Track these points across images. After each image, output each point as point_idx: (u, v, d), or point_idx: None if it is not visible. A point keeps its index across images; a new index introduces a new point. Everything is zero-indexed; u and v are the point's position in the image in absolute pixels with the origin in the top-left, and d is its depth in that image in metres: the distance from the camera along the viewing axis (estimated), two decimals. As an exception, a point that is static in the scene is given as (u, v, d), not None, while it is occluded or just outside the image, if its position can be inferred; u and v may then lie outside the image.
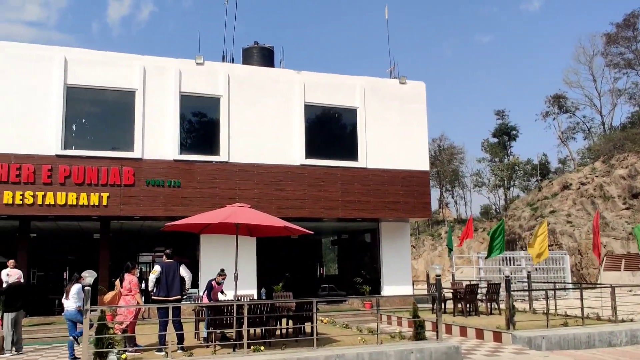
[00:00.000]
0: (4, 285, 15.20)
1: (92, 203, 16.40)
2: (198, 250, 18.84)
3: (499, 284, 18.11)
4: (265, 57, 21.97)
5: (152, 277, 10.90)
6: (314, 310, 10.94)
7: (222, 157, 18.14)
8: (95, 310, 9.72)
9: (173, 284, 10.73)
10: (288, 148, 18.96)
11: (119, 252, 19.69)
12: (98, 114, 17.67)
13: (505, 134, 58.97)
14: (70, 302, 11.02)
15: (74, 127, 16.98)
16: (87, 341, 9.52)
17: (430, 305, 17.77)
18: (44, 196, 16.00)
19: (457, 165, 61.43)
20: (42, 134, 16.45)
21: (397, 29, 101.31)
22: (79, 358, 10.76)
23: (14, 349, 12.43)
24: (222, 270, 12.49)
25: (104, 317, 9.65)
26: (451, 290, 17.10)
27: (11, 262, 15.59)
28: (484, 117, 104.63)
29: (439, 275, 11.51)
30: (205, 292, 12.20)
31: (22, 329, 13.18)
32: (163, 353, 10.17)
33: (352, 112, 20.13)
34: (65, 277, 21.20)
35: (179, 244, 23.02)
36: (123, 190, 16.80)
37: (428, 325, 12.97)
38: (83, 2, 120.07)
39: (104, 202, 16.52)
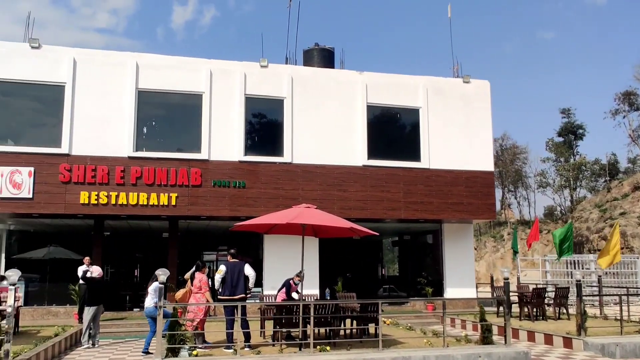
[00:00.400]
0: (81, 280, 15.99)
1: (161, 203, 17.00)
2: (261, 250, 19.20)
3: (568, 287, 17.60)
4: (325, 58, 22.12)
5: (217, 277, 11.21)
6: (379, 312, 10.95)
7: (286, 158, 18.42)
8: (166, 307, 10.02)
9: (238, 283, 11.00)
10: (350, 149, 19.04)
11: (186, 251, 20.31)
12: (167, 116, 18.33)
13: (571, 132, 57.01)
14: (149, 300, 11.45)
15: (144, 129, 17.65)
16: (161, 336, 9.92)
17: (495, 309, 17.45)
18: (117, 196, 16.71)
19: (520, 165, 59.88)
20: (116, 137, 17.18)
21: (459, 27, 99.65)
22: (152, 353, 11.19)
23: (90, 342, 13.06)
24: (301, 271, 12.70)
25: (175, 314, 10.02)
26: (517, 294, 16.73)
27: (87, 259, 16.38)
28: (548, 116, 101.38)
29: (508, 278, 11.30)
30: (284, 290, 12.46)
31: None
32: (231, 350, 10.45)
33: (414, 112, 20.01)
34: (136, 274, 22.04)
35: (242, 244, 23.51)
36: (191, 190, 17.33)
37: (494, 329, 12.75)
38: (149, 8, 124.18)
39: (173, 202, 17.09)
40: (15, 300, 13.98)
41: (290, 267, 13.89)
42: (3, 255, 18.51)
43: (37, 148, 16.64)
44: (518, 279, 21.80)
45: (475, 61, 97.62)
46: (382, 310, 11.82)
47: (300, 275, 12.92)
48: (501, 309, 16.35)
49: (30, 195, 16.20)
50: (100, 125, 17.12)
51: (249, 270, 11.09)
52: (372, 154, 19.19)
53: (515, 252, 22.60)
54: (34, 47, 17.02)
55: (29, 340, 12.31)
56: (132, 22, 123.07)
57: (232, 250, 11.56)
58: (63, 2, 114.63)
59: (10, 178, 16.10)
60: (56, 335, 13.05)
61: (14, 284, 9.23)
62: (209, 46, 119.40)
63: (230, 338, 10.83)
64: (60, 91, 17.00)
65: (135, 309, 18.83)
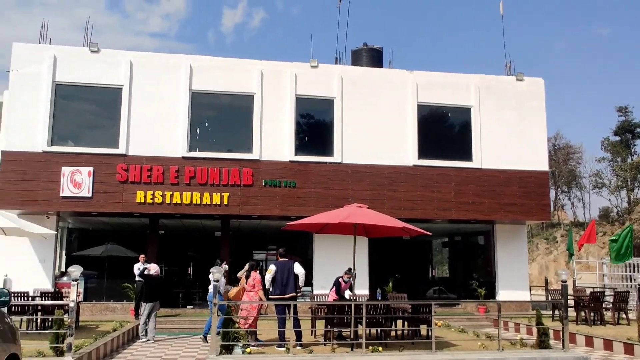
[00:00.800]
0: (137, 277, 16.47)
1: (214, 202, 17.32)
2: (311, 250, 19.29)
3: (628, 292, 16.98)
4: (374, 58, 22.02)
5: (267, 277, 11.33)
6: (432, 313, 10.84)
7: (336, 158, 18.46)
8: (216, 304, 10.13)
9: (288, 282, 11.09)
10: (401, 148, 18.93)
11: (237, 250, 20.64)
12: (219, 117, 18.68)
13: (628, 131, 54.85)
14: (211, 286, 11.71)
15: (198, 130, 18.02)
16: (216, 333, 10.10)
17: (550, 312, 17.03)
18: (171, 195, 17.13)
19: (574, 165, 58.08)
20: (170, 138, 17.61)
21: (511, 23, 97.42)
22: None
23: (147, 336, 13.45)
24: (350, 269, 12.74)
25: (229, 311, 10.19)
26: (573, 298, 16.26)
27: (142, 256, 16.86)
28: (604, 114, 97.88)
29: (566, 281, 11.00)
30: (334, 289, 12.52)
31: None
32: (284, 349, 10.56)
33: (466, 111, 19.72)
34: (189, 272, 22.56)
35: (291, 244, 23.70)
36: (242, 190, 17.59)
37: (550, 334, 12.42)
38: (200, 13, 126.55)
39: (225, 202, 17.38)
40: (77, 296, 14.52)
41: (340, 266, 13.91)
42: (64, 252, 19.23)
43: (96, 149, 17.24)
44: (574, 282, 21.18)
45: (528, 58, 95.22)
46: (435, 312, 11.74)
47: (350, 273, 12.93)
48: (557, 312, 15.94)
49: (90, 195, 16.79)
50: (155, 126, 17.59)
51: (298, 269, 11.15)
52: (422, 154, 19.02)
53: (571, 255, 21.97)
54: (93, 52, 17.64)
55: (89, 335, 12.75)
56: (184, 26, 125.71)
57: (281, 250, 11.67)
58: (118, 8, 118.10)
59: (71, 178, 16.73)
60: (114, 330, 13.47)
61: (76, 280, 9.57)
62: (258, 48, 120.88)
63: (282, 336, 10.94)
64: (118, 93, 17.56)
65: (188, 306, 19.25)
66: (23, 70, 17.16)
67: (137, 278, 16.55)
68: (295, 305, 10.96)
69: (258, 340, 11.39)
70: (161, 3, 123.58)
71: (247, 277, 11.33)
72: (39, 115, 17.07)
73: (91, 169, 16.89)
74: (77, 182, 16.74)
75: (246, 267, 11.75)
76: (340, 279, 12.78)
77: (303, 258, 19.93)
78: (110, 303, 18.18)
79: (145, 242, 18.66)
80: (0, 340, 5.77)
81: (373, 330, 11.80)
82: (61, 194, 16.64)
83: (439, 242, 28.68)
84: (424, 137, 19.25)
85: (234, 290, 11.44)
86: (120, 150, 17.26)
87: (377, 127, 18.87)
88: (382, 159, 18.67)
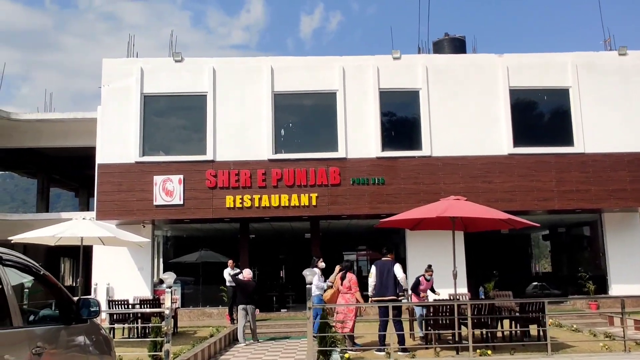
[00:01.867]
0: (228, 283, 16.53)
1: (302, 204, 17.07)
2: (404, 248, 18.61)
3: None
4: (456, 48, 21.00)
5: (370, 281, 10.86)
6: (545, 312, 9.92)
7: (425, 151, 17.70)
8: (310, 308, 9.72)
9: (387, 283, 10.52)
10: (494, 137, 17.86)
11: (327, 251, 20.28)
12: (303, 117, 18.46)
13: None
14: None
15: (282, 131, 17.86)
16: (312, 339, 9.73)
17: (675, 307, 15.39)
18: (259, 199, 17.05)
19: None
20: (256, 141, 17.56)
21: None
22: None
23: (246, 340, 13.60)
24: (430, 266, 12.09)
25: (325, 315, 9.79)
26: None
27: (231, 262, 16.89)
28: None
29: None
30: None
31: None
32: (383, 353, 10.03)
33: (563, 92, 18.30)
34: (281, 275, 22.52)
35: (382, 243, 23.14)
36: (330, 190, 17.22)
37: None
38: (279, 22, 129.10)
39: (314, 202, 17.08)
40: (172, 302, 14.71)
41: (435, 265, 13.23)
42: (161, 260, 19.70)
43: (185, 156, 17.49)
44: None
45: (628, 31, 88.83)
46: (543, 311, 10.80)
47: (431, 269, 12.19)
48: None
49: (181, 202, 17.03)
50: (240, 131, 17.61)
51: (398, 271, 10.52)
52: (518, 141, 17.84)
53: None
54: (177, 61, 17.93)
55: (187, 341, 12.80)
56: (264, 36, 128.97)
57: (384, 249, 11.15)
58: (201, 24, 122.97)
59: (163, 186, 17.05)
60: (211, 335, 13.47)
61: (170, 287, 9.53)
62: (337, 51, 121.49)
63: (382, 340, 10.41)
64: (203, 100, 17.72)
65: (282, 310, 19.13)
66: (113, 85, 17.71)
67: (227, 283, 16.61)
68: (396, 308, 10.39)
69: (356, 344, 10.94)
70: (241, 16, 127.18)
71: (343, 278, 10.88)
72: (130, 127, 17.54)
73: (181, 176, 17.13)
74: (168, 190, 17.04)
75: (336, 270, 11.32)
76: (422, 278, 12.07)
77: (396, 257, 19.31)
78: (206, 308, 18.37)
79: (236, 247, 18.74)
80: (96, 352, 5.64)
81: (477, 332, 11.01)
82: (155, 203, 17.00)
83: (539, 235, 27.05)
84: (519, 124, 18.06)
85: (328, 293, 11.03)
86: (208, 156, 17.40)
87: (467, 116, 17.92)
88: (475, 150, 17.68)
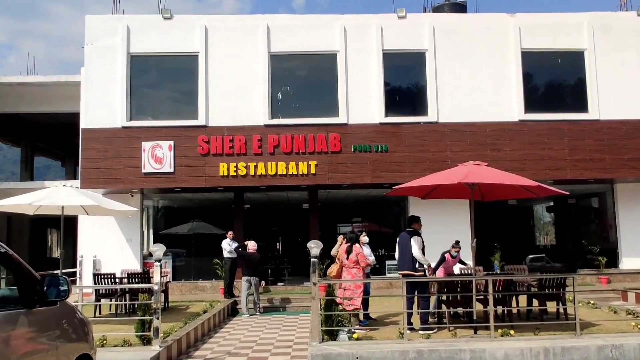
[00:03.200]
0: (225, 254, 15.62)
1: (300, 172, 16.04)
2: (404, 220, 17.67)
3: None
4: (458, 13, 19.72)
5: (396, 254, 10.04)
6: (574, 288, 9.03)
7: (431, 117, 16.65)
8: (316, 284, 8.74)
9: (404, 257, 9.62)
10: (504, 103, 16.82)
11: (325, 223, 19.34)
12: (301, 80, 17.30)
13: None
14: None
15: (279, 95, 16.73)
16: (318, 318, 8.83)
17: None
18: (255, 167, 16.00)
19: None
20: (251, 105, 16.45)
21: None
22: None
23: (249, 312, 13.80)
24: (457, 242, 11.16)
25: (332, 292, 8.87)
26: None
27: (230, 233, 15.99)
28: None
29: None
30: (441, 267, 10.97)
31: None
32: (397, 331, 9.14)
33: (578, 55, 17.22)
34: (278, 247, 21.57)
35: (384, 214, 22.21)
36: (330, 157, 16.19)
37: None
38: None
39: (312, 171, 16.05)
40: (162, 276, 13.78)
41: (441, 237, 12.41)
42: (151, 231, 18.73)
43: (175, 121, 16.37)
44: None
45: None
46: (566, 286, 9.95)
47: (458, 246, 11.33)
48: None
49: (172, 170, 15.95)
50: (234, 94, 16.48)
51: (413, 246, 9.52)
52: (529, 107, 16.81)
53: None
54: (166, 18, 16.64)
55: (179, 317, 11.92)
56: (256, 5, 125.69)
57: (412, 217, 10.17)
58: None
59: (152, 153, 15.95)
60: (205, 312, 12.58)
61: (159, 260, 8.56)
62: (336, 10, 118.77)
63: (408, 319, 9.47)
64: (194, 61, 16.52)
65: (279, 283, 18.28)
66: (97, 44, 16.44)
67: (225, 255, 15.72)
68: (420, 284, 9.45)
69: (362, 322, 10.05)
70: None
71: (349, 252, 9.93)
72: (116, 89, 16.37)
73: (171, 142, 16.02)
74: (158, 157, 15.94)
75: (339, 241, 10.36)
76: (447, 254, 11.16)
77: (396, 230, 18.43)
78: (199, 282, 17.48)
79: (230, 218, 17.77)
80: (67, 340, 4.67)
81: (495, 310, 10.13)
82: (143, 171, 15.91)
83: (542, 206, 26.24)
84: (531, 88, 17.04)
85: (333, 268, 10.07)
86: (200, 121, 16.28)
87: (476, 80, 16.84)
88: (484, 116, 16.64)
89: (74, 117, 17.72)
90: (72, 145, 23.06)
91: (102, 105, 16.34)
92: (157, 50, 16.61)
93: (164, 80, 17.17)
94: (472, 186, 9.14)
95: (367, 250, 10.73)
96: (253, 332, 11.43)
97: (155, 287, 8.54)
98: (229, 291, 15.71)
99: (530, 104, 16.84)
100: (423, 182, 9.29)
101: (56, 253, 29.94)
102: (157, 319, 8.32)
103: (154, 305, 8.50)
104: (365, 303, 10.28)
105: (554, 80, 17.71)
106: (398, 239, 9.89)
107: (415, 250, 9.45)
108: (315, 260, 8.27)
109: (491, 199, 10.61)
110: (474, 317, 8.99)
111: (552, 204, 25.03)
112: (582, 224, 22.24)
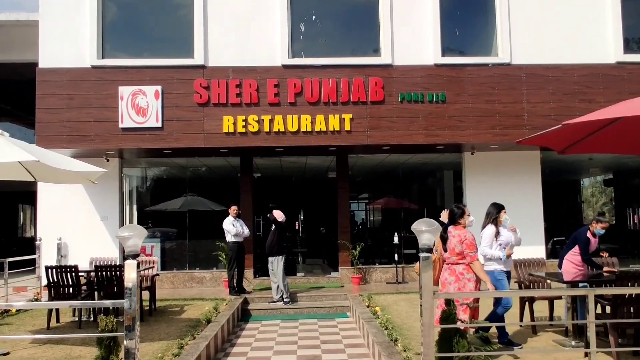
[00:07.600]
0: (228, 237, 11.88)
1: (331, 128, 12.06)
2: (460, 192, 13.92)
3: None
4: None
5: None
6: None
7: (502, 57, 12.68)
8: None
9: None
10: (596, 40, 12.89)
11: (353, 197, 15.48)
12: (331, 7, 13.19)
13: None
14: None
15: (302, 27, 12.67)
16: (431, 331, 4.91)
17: None
18: (271, 121, 11.99)
19: None
20: (264, 39, 12.42)
21: None
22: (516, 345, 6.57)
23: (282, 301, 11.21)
24: (603, 213, 7.39)
25: (452, 309, 4.95)
26: None
27: (234, 208, 12.21)
28: None
29: None
30: (574, 250, 7.19)
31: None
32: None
33: (691, -20, 13.29)
34: (297, 227, 17.62)
35: (428, 185, 18.30)
36: (370, 109, 12.20)
37: None
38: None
39: (347, 127, 12.06)
40: (147, 268, 9.86)
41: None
42: (134, 207, 14.84)
43: (163, 60, 12.26)
44: None
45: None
46: None
47: (603, 220, 7.50)
48: None
49: (159, 124, 11.91)
50: (242, 25, 12.44)
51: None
52: (630, 46, 12.92)
53: None
54: None
55: (170, 330, 8.08)
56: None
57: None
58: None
59: (132, 101, 11.88)
60: (208, 321, 8.70)
61: (132, 253, 4.60)
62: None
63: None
64: (189, -20, 12.42)
65: (298, 274, 14.50)
66: (58, -44, 12.28)
67: (229, 239, 11.89)
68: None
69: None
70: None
71: (444, 240, 6.07)
72: (85, 17, 12.28)
73: (159, 87, 11.95)
74: (140, 108, 11.88)
75: (443, 215, 6.45)
76: (589, 233, 7.36)
77: (441, 202, 14.69)
78: (195, 272, 13.62)
79: (233, 192, 13.85)
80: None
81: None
82: (120, 125, 11.84)
83: (596, 180, 22.50)
84: (631, 22, 13.08)
85: (434, 263, 6.15)
86: (197, 60, 12.22)
87: (559, 10, 12.90)
88: (570, 57, 12.69)
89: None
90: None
91: (66, 38, 12.24)
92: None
93: (148, 6, 12.98)
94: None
95: (506, 234, 6.89)
96: (283, 356, 7.57)
97: (130, 287, 4.57)
98: (237, 286, 11.90)
99: (632, 42, 12.96)
100: (592, 117, 5.33)
101: (30, 232, 26.11)
102: (132, 339, 4.40)
103: (128, 322, 4.54)
104: (501, 318, 6.51)
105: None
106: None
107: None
108: (429, 255, 4.34)
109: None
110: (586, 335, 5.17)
111: (612, 176, 21.35)
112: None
